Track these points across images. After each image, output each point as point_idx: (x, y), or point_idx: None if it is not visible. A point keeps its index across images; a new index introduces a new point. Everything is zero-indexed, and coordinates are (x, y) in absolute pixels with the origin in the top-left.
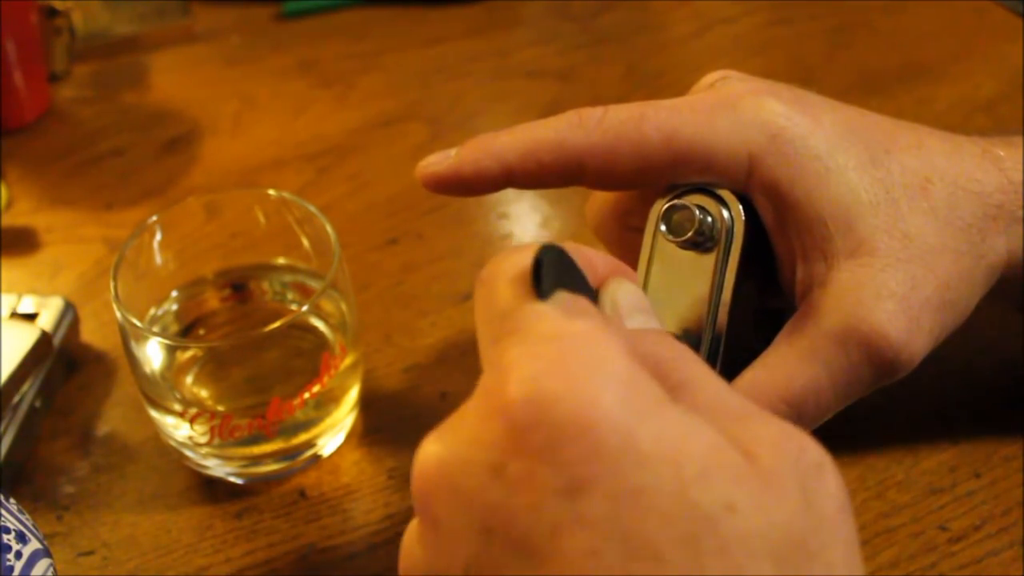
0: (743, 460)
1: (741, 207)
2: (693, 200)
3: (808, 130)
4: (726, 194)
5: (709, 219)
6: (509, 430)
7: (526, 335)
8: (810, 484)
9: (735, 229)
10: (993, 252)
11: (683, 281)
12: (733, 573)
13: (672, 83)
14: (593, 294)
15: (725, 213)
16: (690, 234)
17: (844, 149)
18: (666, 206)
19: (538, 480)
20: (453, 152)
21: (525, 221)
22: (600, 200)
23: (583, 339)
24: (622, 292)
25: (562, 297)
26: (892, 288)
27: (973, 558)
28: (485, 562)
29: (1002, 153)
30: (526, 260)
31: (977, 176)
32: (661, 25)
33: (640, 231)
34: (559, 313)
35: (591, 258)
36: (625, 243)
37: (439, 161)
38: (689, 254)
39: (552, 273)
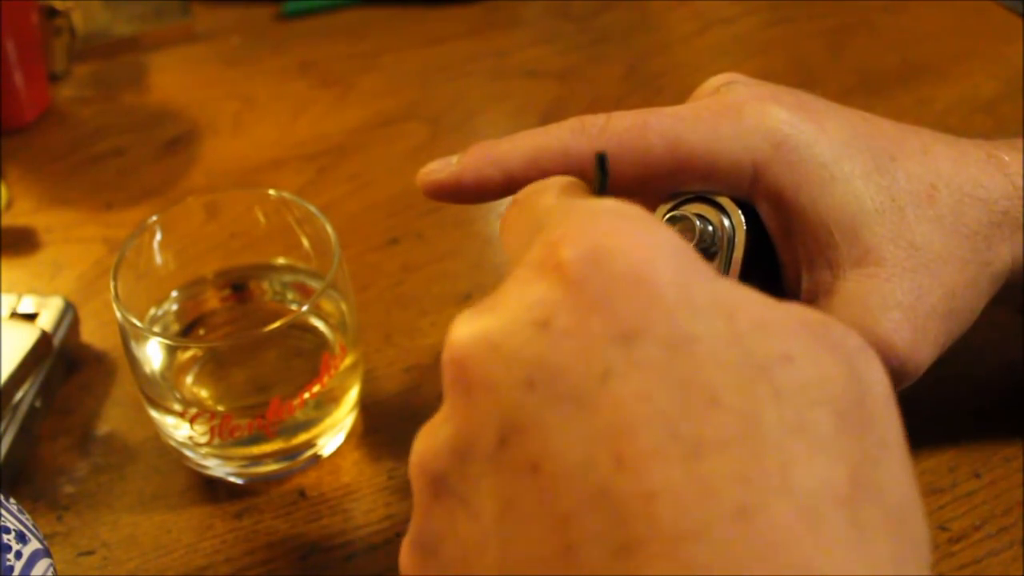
0: (797, 321)
1: (742, 215)
2: (693, 209)
3: (813, 137)
4: (726, 202)
5: (710, 228)
6: (562, 285)
7: (581, 210)
8: (858, 363)
9: (736, 238)
10: (998, 259)
11: None
12: (792, 418)
13: (672, 83)
14: None
15: (726, 222)
16: (691, 244)
17: (849, 156)
18: (666, 216)
19: (590, 328)
20: (454, 159)
21: None
22: None
23: (638, 213)
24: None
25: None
26: (898, 298)
27: (973, 558)
28: (526, 417)
29: (1007, 158)
30: (566, 177)
31: (983, 182)
32: (661, 25)
33: None
34: (612, 201)
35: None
36: None
37: (440, 168)
38: None
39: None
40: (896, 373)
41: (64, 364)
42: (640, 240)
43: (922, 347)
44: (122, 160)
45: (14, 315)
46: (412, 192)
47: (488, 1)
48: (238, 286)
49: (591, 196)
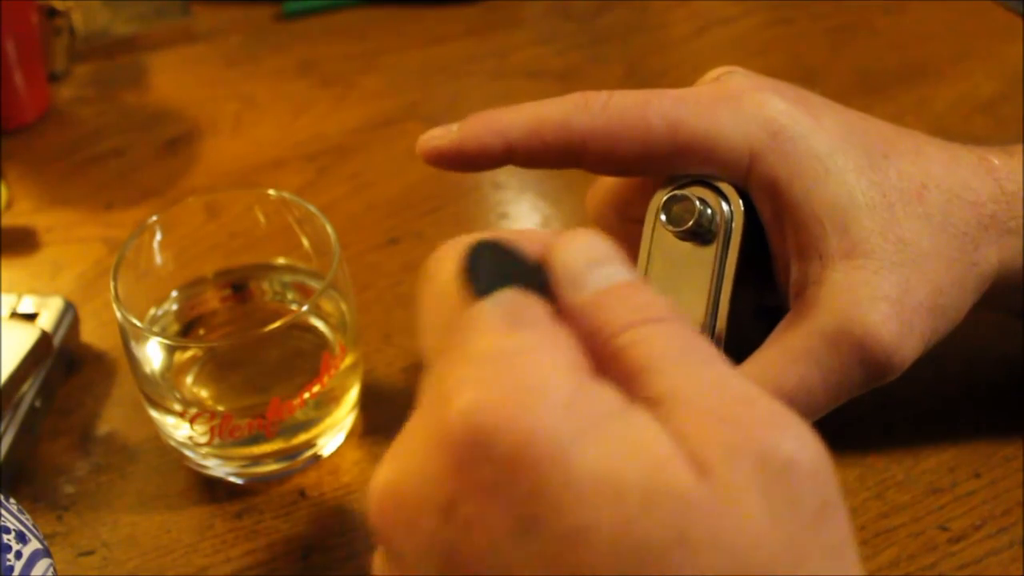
0: (694, 478)
1: (741, 201)
2: (694, 192)
3: (809, 129)
4: (726, 187)
5: (709, 211)
6: (455, 466)
7: (465, 352)
8: (776, 491)
9: (735, 222)
10: (985, 261)
11: (683, 273)
12: None
13: (672, 83)
14: (542, 279)
15: (725, 206)
16: (690, 224)
17: (844, 151)
18: (666, 197)
19: (488, 521)
20: (455, 127)
21: (525, 221)
22: (601, 190)
23: (522, 358)
24: (573, 251)
25: (503, 298)
26: (886, 291)
27: (973, 558)
28: None
29: (997, 162)
30: (456, 261)
31: (972, 185)
32: (661, 25)
33: (640, 223)
34: (499, 321)
35: (543, 239)
36: (625, 234)
37: (442, 135)
38: (688, 246)
39: (489, 269)
40: (882, 366)
41: (64, 364)
42: (521, 409)
43: (908, 340)
44: (122, 160)
45: (14, 315)
46: (412, 192)
47: (488, 1)
48: (238, 286)
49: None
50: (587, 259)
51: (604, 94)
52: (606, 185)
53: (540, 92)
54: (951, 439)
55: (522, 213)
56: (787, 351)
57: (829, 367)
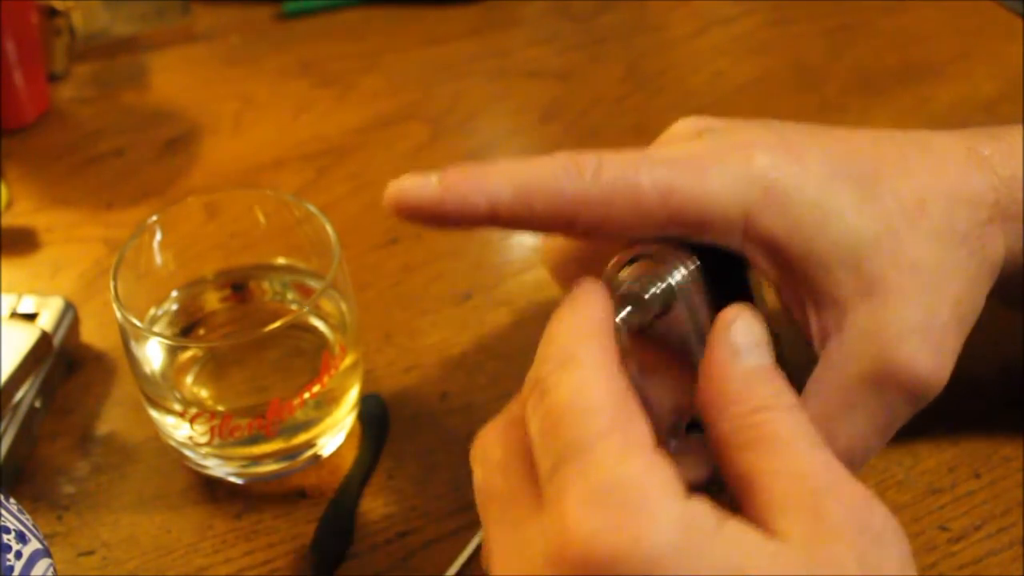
0: (802, 565)
1: (696, 260)
2: (634, 273)
3: (799, 177)
4: (666, 252)
5: (657, 289)
6: None
7: (584, 475)
8: (869, 559)
9: (688, 279)
10: (994, 253)
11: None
12: None
13: (672, 83)
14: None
15: (678, 273)
16: (647, 320)
17: (836, 190)
18: (620, 292)
19: None
20: (434, 179)
21: None
22: (560, 243)
23: (635, 486)
24: (738, 328)
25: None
26: (912, 323)
27: (973, 558)
28: None
29: (986, 151)
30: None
31: (967, 182)
32: (661, 25)
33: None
34: (616, 447)
35: None
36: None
37: (419, 187)
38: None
39: None
40: (924, 392)
41: (64, 364)
42: (636, 534)
43: (943, 361)
44: (122, 160)
45: (14, 315)
46: None
47: (488, 1)
48: (238, 286)
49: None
50: (751, 340)
51: (594, 159)
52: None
53: (540, 92)
54: (951, 439)
55: None
56: (832, 406)
57: (877, 411)
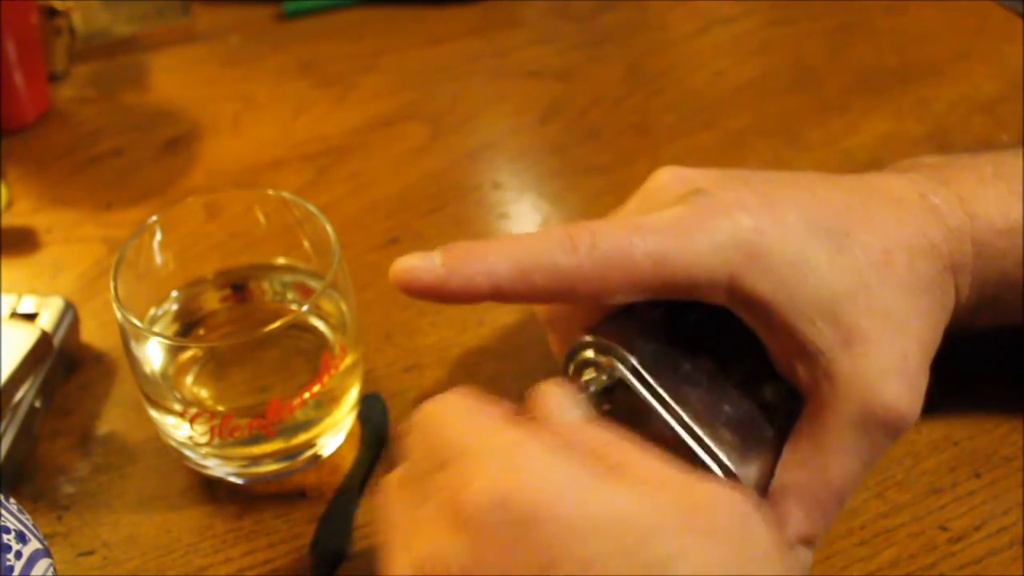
0: (679, 518)
1: (632, 360)
2: (590, 354)
3: (779, 238)
4: (604, 344)
5: (604, 376)
6: (477, 535)
7: (477, 452)
8: (744, 531)
9: (629, 368)
10: (950, 297)
11: (636, 418)
12: None
13: (672, 83)
14: None
15: (621, 365)
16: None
17: (812, 246)
18: (580, 380)
19: (515, 572)
20: (437, 260)
21: (525, 221)
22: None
23: (521, 445)
24: (551, 398)
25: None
26: (890, 367)
27: (973, 558)
28: None
29: (937, 200)
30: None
31: (926, 233)
32: (661, 25)
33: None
34: (497, 422)
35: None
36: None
37: (423, 268)
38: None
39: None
40: (902, 428)
41: (64, 364)
42: (536, 482)
43: (917, 398)
44: (122, 160)
45: (14, 315)
46: (412, 192)
47: (488, 1)
48: (238, 286)
49: (485, 415)
50: (564, 406)
51: (587, 233)
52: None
53: (540, 92)
54: (951, 439)
55: (522, 213)
56: (825, 449)
57: (863, 448)
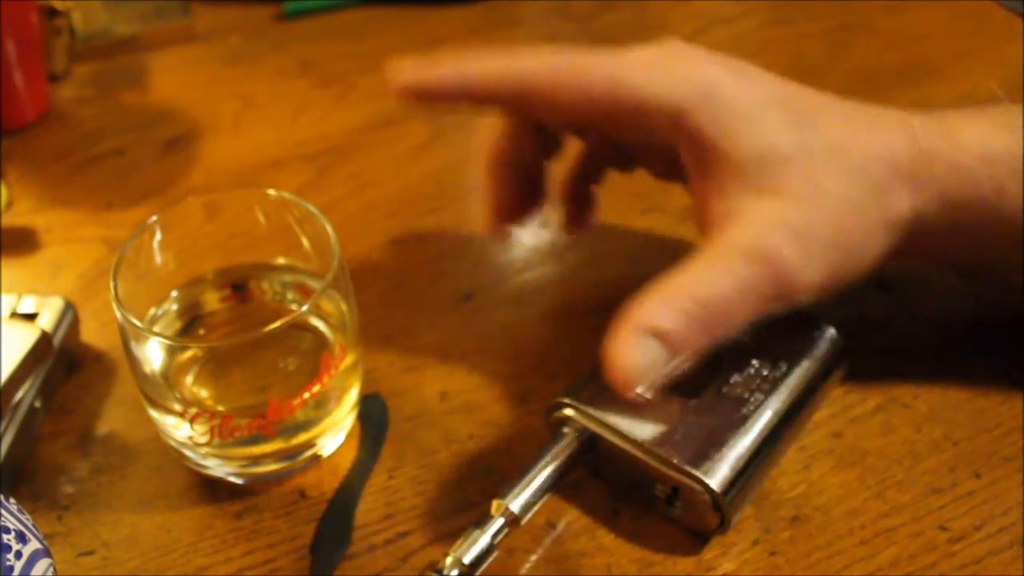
0: None
1: (588, 411)
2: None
3: (738, 92)
4: (571, 403)
5: (578, 431)
6: None
7: None
8: None
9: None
10: (895, 209)
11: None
12: None
13: None
14: None
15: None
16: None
17: (770, 112)
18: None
19: None
20: (424, 65)
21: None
22: (503, 143)
23: None
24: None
25: None
26: (791, 222)
27: (973, 558)
28: None
29: (916, 123)
30: None
31: (891, 144)
32: (661, 25)
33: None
34: None
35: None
36: (515, 184)
37: (410, 69)
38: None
39: None
40: (785, 283)
41: (64, 364)
42: None
43: (808, 266)
44: (122, 160)
45: (14, 315)
46: (412, 192)
47: (488, 1)
48: (238, 286)
49: None
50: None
51: (553, 49)
52: (501, 140)
53: None
54: (951, 439)
55: None
56: (708, 264)
57: (742, 278)
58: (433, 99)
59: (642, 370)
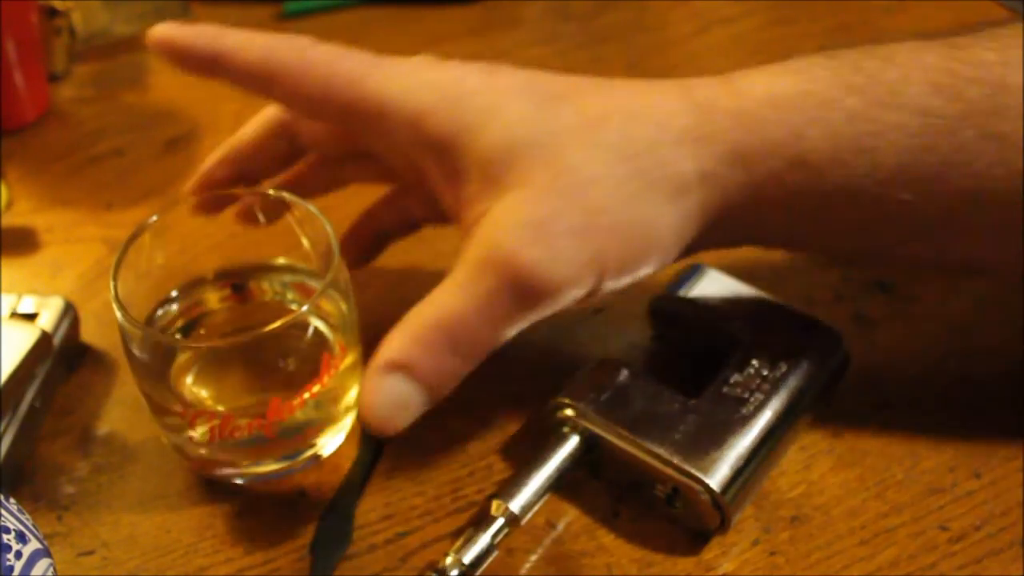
0: None
1: (584, 410)
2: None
3: (477, 88)
4: (567, 403)
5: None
6: None
7: None
8: None
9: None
10: (675, 173)
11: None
12: None
13: None
14: None
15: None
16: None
17: (510, 101)
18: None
19: None
20: (186, 29)
21: None
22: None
23: None
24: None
25: None
26: (530, 216)
27: (973, 558)
28: None
29: (695, 83)
30: None
31: (660, 104)
32: (661, 25)
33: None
34: None
35: None
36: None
37: (168, 28)
38: None
39: None
40: (528, 287)
41: (64, 364)
42: None
43: (555, 264)
44: (122, 160)
45: (14, 315)
46: None
47: (488, 1)
48: (238, 286)
49: None
50: None
51: (314, 40)
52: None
53: None
54: (951, 439)
55: None
56: (447, 284)
57: (479, 293)
58: (183, 62)
59: (393, 409)
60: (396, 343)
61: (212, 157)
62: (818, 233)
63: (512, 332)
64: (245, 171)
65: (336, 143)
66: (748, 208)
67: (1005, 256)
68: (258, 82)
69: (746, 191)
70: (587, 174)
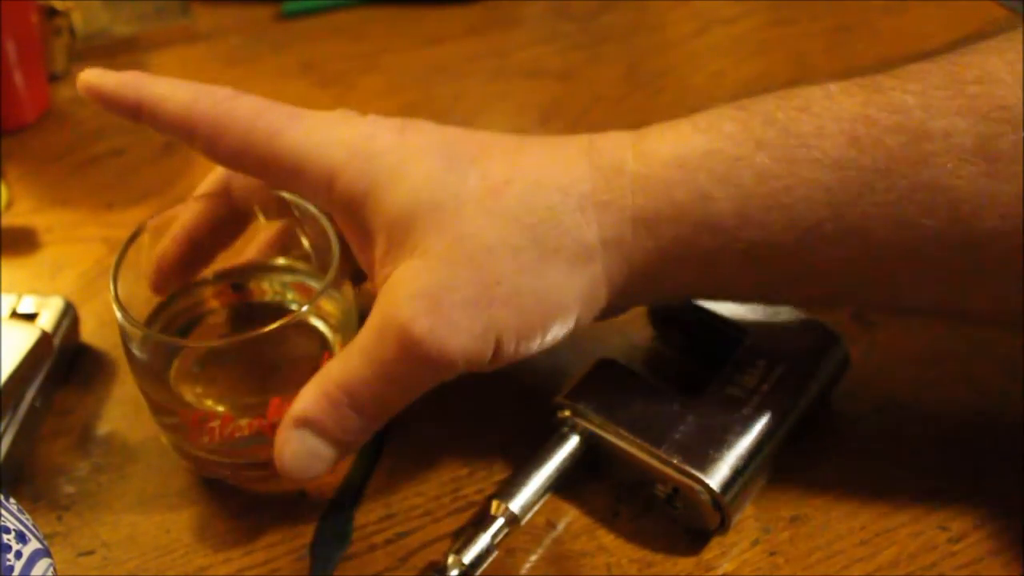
0: None
1: (583, 410)
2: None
3: (388, 146)
4: (567, 404)
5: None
6: None
7: None
8: None
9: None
10: (575, 241)
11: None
12: None
13: (672, 83)
14: None
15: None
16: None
17: (419, 160)
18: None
19: None
20: (113, 77)
21: None
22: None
23: None
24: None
25: None
26: (424, 287)
27: (973, 558)
28: None
29: (601, 144)
30: None
31: (564, 170)
32: (661, 25)
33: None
34: None
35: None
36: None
37: (100, 76)
38: None
39: None
40: (425, 359)
41: (64, 364)
42: None
43: (449, 336)
44: (122, 160)
45: (14, 315)
46: None
47: (488, 1)
48: (238, 286)
49: None
50: None
51: (236, 92)
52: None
53: (540, 92)
54: (951, 440)
55: None
56: (353, 346)
57: (379, 359)
58: (108, 108)
59: (305, 459)
60: (306, 399)
61: (164, 240)
62: (750, 286)
63: (418, 393)
64: (195, 240)
65: (268, 200)
66: (661, 270)
67: (968, 305)
68: (180, 132)
69: (653, 255)
70: (484, 242)
